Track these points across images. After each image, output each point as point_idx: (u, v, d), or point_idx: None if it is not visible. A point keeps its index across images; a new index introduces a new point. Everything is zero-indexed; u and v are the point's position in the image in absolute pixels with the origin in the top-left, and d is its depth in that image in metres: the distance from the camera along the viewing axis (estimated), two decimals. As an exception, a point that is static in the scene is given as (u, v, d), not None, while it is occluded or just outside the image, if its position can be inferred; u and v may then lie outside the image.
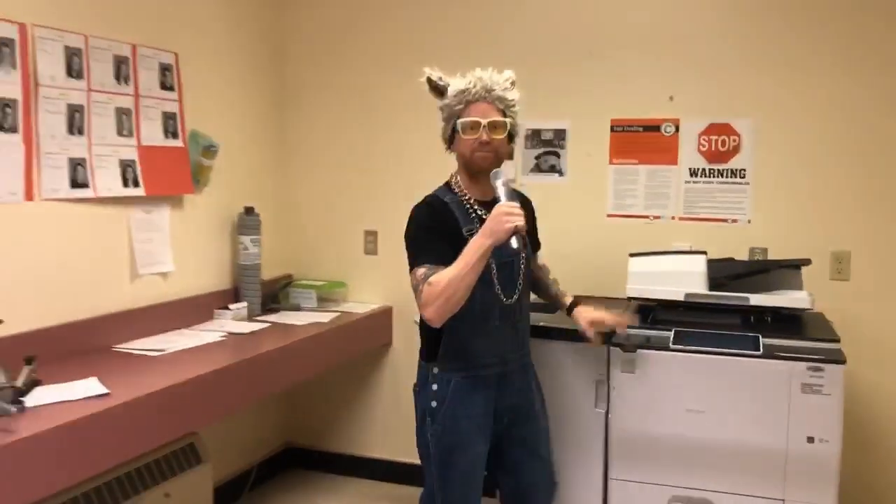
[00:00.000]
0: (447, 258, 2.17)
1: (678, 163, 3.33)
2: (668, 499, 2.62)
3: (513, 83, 2.38)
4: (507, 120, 2.32)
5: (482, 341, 2.34)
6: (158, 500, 2.94)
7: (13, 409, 2.00)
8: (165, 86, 3.11)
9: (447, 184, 2.42)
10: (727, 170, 3.27)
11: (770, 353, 2.49)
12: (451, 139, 2.37)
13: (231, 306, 3.40)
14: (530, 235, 2.48)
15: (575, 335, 2.58)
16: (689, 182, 3.32)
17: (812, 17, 3.12)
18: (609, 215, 3.44)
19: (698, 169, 3.31)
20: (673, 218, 3.36)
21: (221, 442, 3.41)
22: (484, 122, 2.27)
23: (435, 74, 2.37)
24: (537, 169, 3.54)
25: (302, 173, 3.93)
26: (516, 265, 2.36)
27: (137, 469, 2.87)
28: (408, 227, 2.33)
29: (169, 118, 3.13)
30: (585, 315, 2.52)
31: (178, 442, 3.10)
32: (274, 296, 3.70)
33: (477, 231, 2.20)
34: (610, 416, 2.68)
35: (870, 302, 3.09)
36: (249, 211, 3.53)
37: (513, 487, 2.50)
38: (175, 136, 3.16)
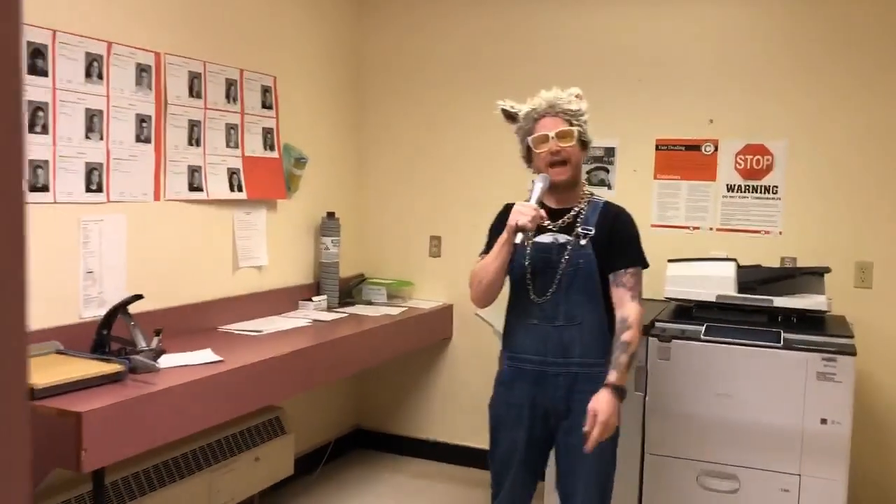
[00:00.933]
0: None
1: (716, 179, 3.69)
2: (697, 472, 2.97)
3: (578, 96, 2.52)
4: (575, 129, 2.44)
5: (522, 336, 2.49)
6: (250, 462, 3.41)
7: (157, 365, 2.48)
8: (265, 105, 3.61)
9: None
10: (761, 186, 3.61)
11: (789, 346, 2.84)
12: (528, 157, 2.52)
13: (313, 298, 3.86)
14: (607, 248, 2.43)
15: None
16: (726, 196, 3.67)
17: (845, 41, 3.44)
18: (653, 225, 3.81)
19: (735, 185, 3.66)
20: (711, 229, 3.71)
21: (301, 420, 3.86)
22: (551, 133, 2.42)
23: (507, 104, 2.55)
24: (589, 182, 3.93)
25: (376, 184, 4.39)
26: (552, 272, 2.43)
27: (234, 435, 3.35)
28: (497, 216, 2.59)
29: (267, 133, 3.62)
30: (594, 407, 2.31)
31: (266, 414, 3.57)
32: (349, 291, 4.16)
33: (530, 234, 2.41)
34: (647, 398, 3.04)
35: (890, 308, 3.39)
36: (331, 216, 3.99)
37: (559, 491, 2.54)
38: (272, 148, 3.65)
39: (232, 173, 3.41)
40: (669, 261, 3.29)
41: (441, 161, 4.22)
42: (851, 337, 2.87)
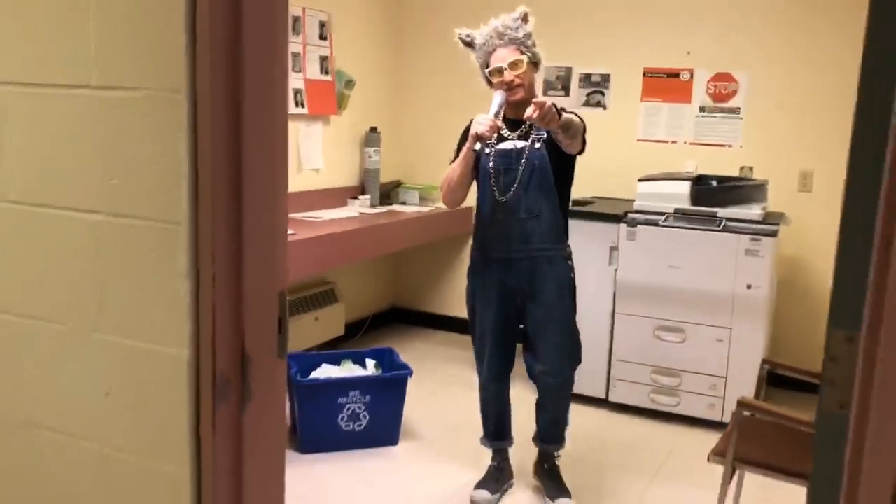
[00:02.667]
0: None
1: (691, 101, 4.46)
2: (654, 327, 3.86)
3: (524, 18, 2.76)
4: (524, 56, 2.74)
5: (489, 230, 2.89)
6: (311, 321, 4.38)
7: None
8: (321, 36, 4.44)
9: None
10: (727, 108, 4.38)
11: (726, 228, 3.67)
12: (489, 82, 2.85)
13: (359, 197, 4.76)
14: (558, 149, 2.76)
15: (594, 216, 3.83)
16: (698, 116, 4.45)
17: (796, -7, 4.16)
18: (638, 140, 4.61)
19: (706, 107, 4.43)
20: (685, 143, 4.50)
21: (349, 294, 4.82)
22: (503, 65, 2.74)
23: (463, 32, 2.85)
24: (587, 104, 4.73)
25: (412, 103, 5.23)
26: (513, 174, 2.82)
27: (301, 298, 4.31)
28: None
29: (323, 60, 4.47)
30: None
31: (324, 286, 4.53)
32: (387, 193, 5.04)
33: (493, 142, 2.80)
34: (617, 271, 3.92)
35: (823, 207, 4.18)
36: (373, 129, 4.86)
37: (530, 356, 3.01)
38: (327, 73, 4.50)
39: (296, 93, 4.28)
40: (639, 179, 4.05)
41: (469, 82, 5.02)
42: (776, 224, 3.69)
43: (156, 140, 1.25)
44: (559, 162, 2.85)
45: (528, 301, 2.91)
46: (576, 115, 2.80)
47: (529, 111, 2.55)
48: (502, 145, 2.88)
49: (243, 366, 1.30)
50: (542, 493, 3.08)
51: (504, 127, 2.86)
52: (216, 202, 1.22)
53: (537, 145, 2.84)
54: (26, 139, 1.37)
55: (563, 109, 2.69)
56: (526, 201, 2.83)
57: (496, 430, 3.12)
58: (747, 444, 2.43)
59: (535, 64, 2.84)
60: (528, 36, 2.79)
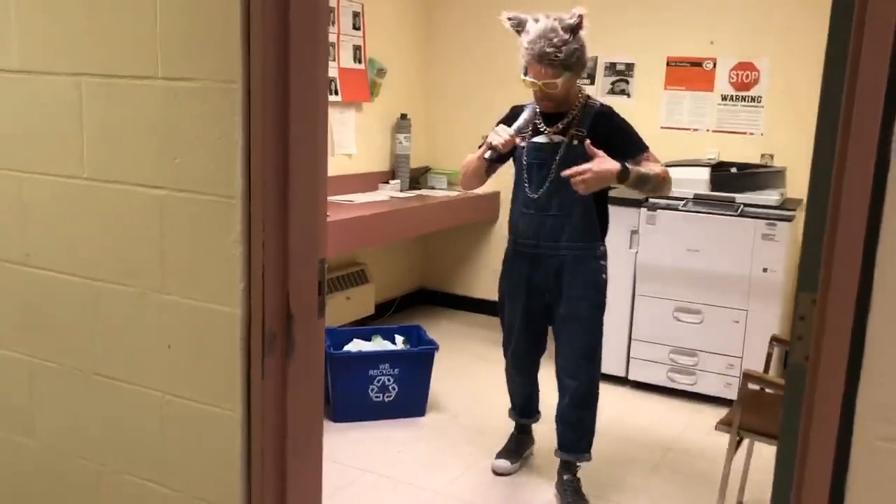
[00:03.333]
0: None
1: (714, 90, 4.56)
2: (672, 308, 4.00)
3: (578, 25, 2.62)
4: (558, 80, 2.64)
5: (521, 222, 2.90)
6: (342, 300, 4.58)
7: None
8: (355, 26, 4.62)
9: None
10: (748, 96, 4.48)
11: (743, 213, 3.79)
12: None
13: (390, 182, 4.94)
14: (612, 145, 2.69)
15: (616, 201, 3.97)
16: (720, 104, 4.56)
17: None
18: (662, 127, 4.72)
19: (728, 95, 4.53)
20: (708, 130, 4.61)
21: (379, 275, 5.01)
22: (538, 83, 2.69)
23: (514, 18, 2.72)
24: (612, 92, 4.85)
25: (441, 92, 5.39)
26: (546, 170, 2.79)
27: (334, 278, 4.51)
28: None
29: (356, 49, 4.65)
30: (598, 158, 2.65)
31: (355, 266, 4.73)
32: (417, 178, 5.22)
33: (528, 134, 2.81)
34: (638, 254, 4.06)
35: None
36: (404, 117, 5.03)
37: (556, 359, 3.00)
38: (360, 61, 4.69)
39: (331, 81, 4.46)
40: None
41: (494, 73, 5.18)
42: (792, 210, 3.81)
43: (213, 124, 1.44)
44: (619, 156, 2.70)
45: (554, 299, 2.91)
46: (655, 166, 2.76)
47: (566, 172, 2.60)
48: (537, 139, 2.84)
49: (288, 323, 1.49)
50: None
51: (523, 141, 2.82)
52: (266, 179, 1.41)
53: (575, 143, 2.76)
54: (100, 123, 1.57)
55: (637, 161, 2.70)
56: (558, 198, 2.79)
57: (521, 407, 3.23)
58: (753, 414, 2.58)
59: (573, 71, 2.70)
60: (573, 53, 2.63)
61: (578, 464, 2.98)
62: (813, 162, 1.18)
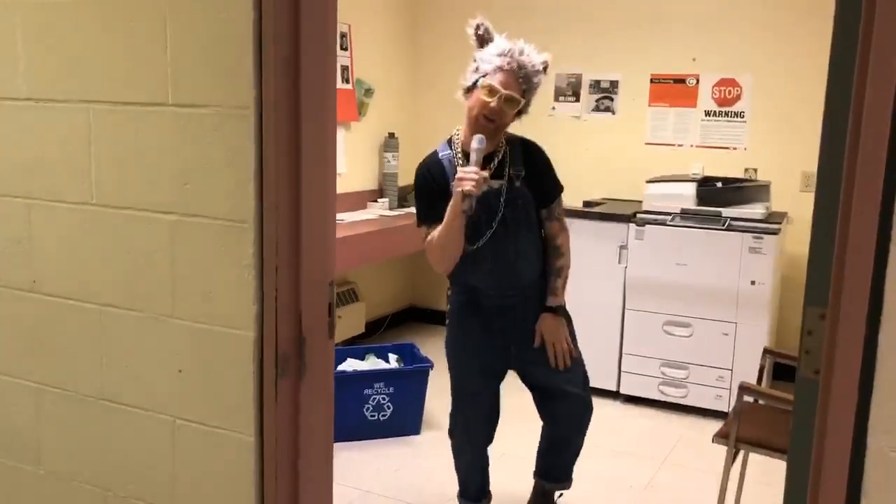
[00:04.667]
0: (440, 215, 2.43)
1: (697, 106, 4.64)
2: (662, 322, 4.04)
3: (545, 67, 2.49)
4: (522, 101, 2.46)
5: (477, 275, 2.57)
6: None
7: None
8: (342, 47, 4.65)
9: (449, 138, 2.62)
10: (731, 111, 4.56)
11: (729, 227, 3.85)
12: (468, 89, 2.51)
13: (378, 200, 4.96)
14: (538, 186, 2.56)
15: (604, 216, 4.01)
16: (704, 120, 4.63)
17: None
18: (646, 143, 4.79)
19: (711, 111, 4.61)
20: (692, 146, 4.68)
21: (369, 293, 5.02)
22: (503, 92, 2.41)
23: (484, 26, 2.49)
24: (597, 109, 4.92)
25: (428, 110, 5.43)
26: (494, 213, 2.50)
27: (323, 296, 4.50)
28: (414, 183, 2.64)
29: (344, 69, 4.68)
30: (542, 330, 2.61)
31: (345, 285, 4.73)
32: (405, 196, 5.23)
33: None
34: (627, 268, 4.11)
35: (826, 207, 4.35)
36: (392, 135, 5.06)
37: (540, 401, 2.76)
38: (347, 81, 4.71)
39: (319, 101, 4.48)
40: (647, 181, 4.24)
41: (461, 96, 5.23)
42: (778, 223, 3.87)
43: (225, 150, 1.46)
44: (540, 197, 2.61)
45: (524, 347, 2.64)
46: (562, 243, 2.65)
47: (551, 360, 2.58)
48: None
49: (300, 345, 1.50)
50: None
51: (488, 179, 2.46)
52: (279, 203, 1.42)
53: (517, 183, 2.55)
54: (110, 150, 1.58)
55: (551, 210, 2.62)
56: (514, 244, 2.56)
57: (479, 488, 2.84)
58: (749, 426, 2.62)
59: (519, 113, 2.54)
60: (537, 87, 2.52)
61: (560, 493, 2.89)
62: (818, 175, 1.22)
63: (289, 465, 1.51)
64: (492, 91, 2.43)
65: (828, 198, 1.15)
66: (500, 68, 2.44)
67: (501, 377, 2.75)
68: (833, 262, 1.11)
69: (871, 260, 1.05)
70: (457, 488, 2.89)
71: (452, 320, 2.71)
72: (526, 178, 2.56)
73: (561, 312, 2.63)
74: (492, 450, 2.83)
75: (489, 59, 2.46)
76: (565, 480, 2.84)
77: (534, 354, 2.64)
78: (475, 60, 2.50)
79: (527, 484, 2.92)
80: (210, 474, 1.58)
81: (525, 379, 2.75)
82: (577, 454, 2.82)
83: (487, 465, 2.84)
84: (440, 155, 2.60)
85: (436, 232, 2.48)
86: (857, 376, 1.07)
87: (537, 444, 2.85)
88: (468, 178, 2.35)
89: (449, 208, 2.42)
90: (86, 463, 1.74)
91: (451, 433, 2.80)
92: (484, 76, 2.45)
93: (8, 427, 1.82)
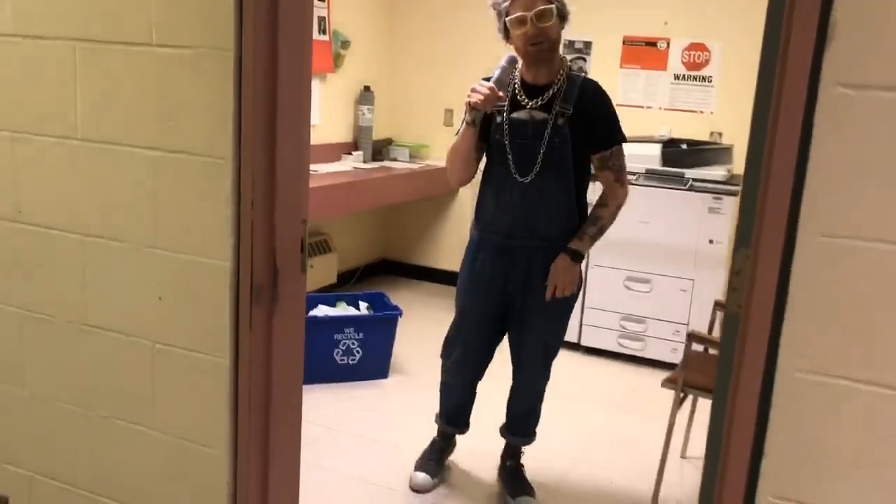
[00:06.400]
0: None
1: (667, 69, 4.75)
2: (623, 278, 4.20)
3: None
4: (553, 6, 2.32)
5: (493, 210, 2.54)
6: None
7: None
8: (320, -2, 4.68)
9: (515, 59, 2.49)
10: (700, 76, 4.68)
11: (691, 188, 4.00)
12: (506, 34, 2.43)
13: (352, 153, 5.03)
14: (587, 128, 2.46)
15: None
16: (673, 83, 4.75)
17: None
18: (617, 104, 4.84)
19: (681, 74, 4.72)
20: (661, 108, 4.80)
21: (342, 245, 5.12)
22: (530, 14, 2.31)
23: None
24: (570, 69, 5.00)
25: (404, 64, 5.48)
26: (536, 148, 2.43)
27: (296, 244, 4.59)
28: None
29: (321, 20, 4.70)
30: (553, 266, 2.53)
31: (318, 236, 4.82)
32: (379, 150, 5.32)
33: (504, 108, 2.44)
34: (592, 225, 4.25)
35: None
36: (367, 89, 5.11)
37: (512, 355, 2.77)
38: (324, 33, 4.75)
39: (295, 51, 4.52)
40: (617, 139, 4.36)
41: (458, 46, 5.29)
42: (737, 185, 4.02)
43: (206, 89, 1.54)
44: (585, 144, 2.50)
45: (522, 295, 2.60)
46: (605, 215, 2.60)
47: (547, 295, 2.50)
48: (517, 114, 2.48)
49: (274, 276, 1.60)
50: (503, 492, 2.88)
51: (505, 97, 2.46)
52: (256, 141, 1.52)
53: (560, 121, 2.45)
54: (95, 87, 1.66)
55: (605, 157, 2.54)
56: (539, 183, 2.46)
57: (453, 415, 2.93)
58: (697, 373, 2.78)
59: (562, 16, 2.41)
60: None
61: (523, 449, 2.94)
62: (751, 135, 1.34)
63: (262, 386, 1.63)
64: (520, 22, 2.34)
65: (755, 149, 1.27)
66: None
67: (500, 332, 2.72)
68: (756, 209, 1.24)
69: (787, 208, 1.18)
70: (422, 426, 3.02)
71: (466, 256, 2.70)
72: (572, 117, 2.45)
73: (578, 260, 2.53)
74: (482, 386, 2.89)
75: None
76: (525, 436, 2.89)
77: (532, 313, 2.60)
78: (493, 7, 2.43)
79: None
80: (187, 395, 1.69)
81: (509, 326, 2.71)
82: (534, 412, 2.87)
83: (470, 400, 2.90)
84: (498, 76, 2.45)
85: (453, 141, 2.53)
86: (771, 307, 1.21)
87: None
88: (478, 90, 2.34)
89: (464, 121, 2.46)
90: (68, 385, 1.84)
91: (444, 355, 2.85)
92: (507, 15, 2.38)
93: (-7, 351, 1.92)
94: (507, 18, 2.37)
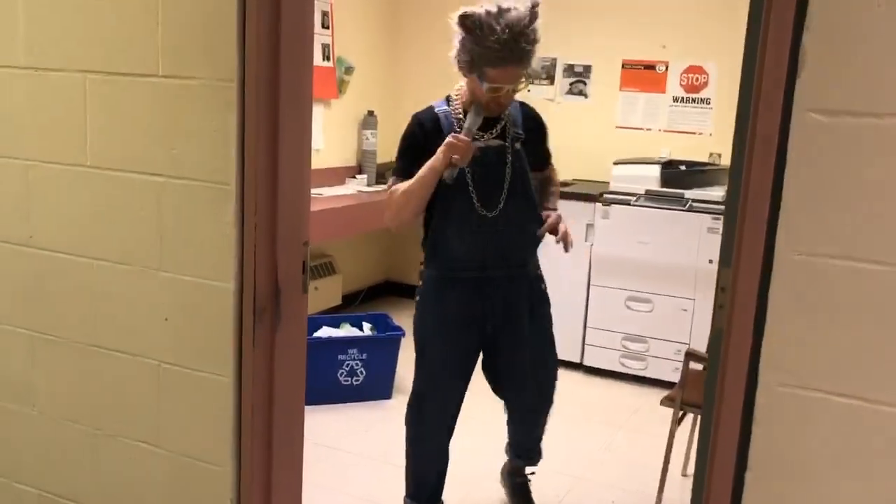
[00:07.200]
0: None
1: (666, 92, 4.82)
2: (625, 297, 4.24)
3: (535, 11, 2.25)
4: (527, 70, 2.32)
5: (459, 246, 2.41)
6: (310, 290, 4.71)
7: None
8: (324, 25, 4.77)
9: (448, 95, 2.51)
10: (698, 98, 4.75)
11: (691, 208, 4.05)
12: (468, 69, 2.32)
13: (356, 176, 5.11)
14: (535, 150, 2.51)
15: (572, 196, 4.20)
16: (672, 105, 4.81)
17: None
18: (617, 127, 4.97)
19: (679, 97, 4.79)
20: (660, 130, 4.86)
21: (346, 267, 5.18)
22: (510, 87, 2.32)
23: (473, 17, 2.25)
24: (570, 92, 5.08)
25: (406, 88, 5.57)
26: (500, 176, 2.40)
27: (301, 267, 4.65)
28: (404, 132, 2.49)
29: (325, 47, 4.80)
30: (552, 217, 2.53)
31: (322, 258, 4.89)
32: (383, 173, 5.38)
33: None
34: (593, 246, 4.30)
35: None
36: (371, 113, 5.20)
37: (504, 395, 2.68)
38: (328, 59, 4.84)
39: (300, 77, 4.61)
40: (614, 163, 4.41)
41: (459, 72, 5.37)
42: (736, 205, 4.06)
43: (210, 118, 1.61)
44: (533, 165, 2.54)
45: (503, 330, 2.53)
46: (555, 180, 2.73)
47: (555, 239, 2.49)
48: (476, 144, 2.38)
49: (276, 297, 1.66)
50: None
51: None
52: (259, 167, 1.58)
53: (517, 146, 2.46)
54: (104, 116, 1.73)
55: (545, 175, 2.65)
56: (507, 211, 2.42)
57: (434, 489, 2.68)
58: (695, 391, 2.81)
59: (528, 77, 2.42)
60: (537, 41, 2.30)
61: (532, 469, 2.91)
62: (732, 158, 1.39)
63: (264, 404, 1.68)
64: (498, 90, 2.31)
65: (736, 172, 1.32)
66: (500, 61, 2.25)
67: (472, 371, 2.59)
68: (736, 231, 1.29)
69: (764, 228, 1.23)
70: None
71: (426, 299, 2.52)
72: (525, 141, 2.48)
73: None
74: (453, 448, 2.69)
75: (486, 52, 2.24)
76: (532, 459, 2.86)
77: (510, 338, 2.54)
78: (463, 43, 2.30)
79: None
80: (191, 413, 1.74)
81: (492, 360, 2.61)
82: (541, 435, 2.83)
83: (445, 467, 2.68)
84: (436, 109, 2.48)
85: (401, 185, 2.39)
86: (751, 323, 1.25)
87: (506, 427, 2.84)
88: (459, 146, 2.27)
89: (425, 167, 2.32)
90: (76, 404, 1.89)
91: (412, 422, 2.62)
92: (484, 66, 2.27)
93: (4, 372, 1.98)
94: (486, 83, 2.29)
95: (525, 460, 2.88)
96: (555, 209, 2.62)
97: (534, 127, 2.56)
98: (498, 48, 2.22)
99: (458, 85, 2.52)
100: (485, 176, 2.40)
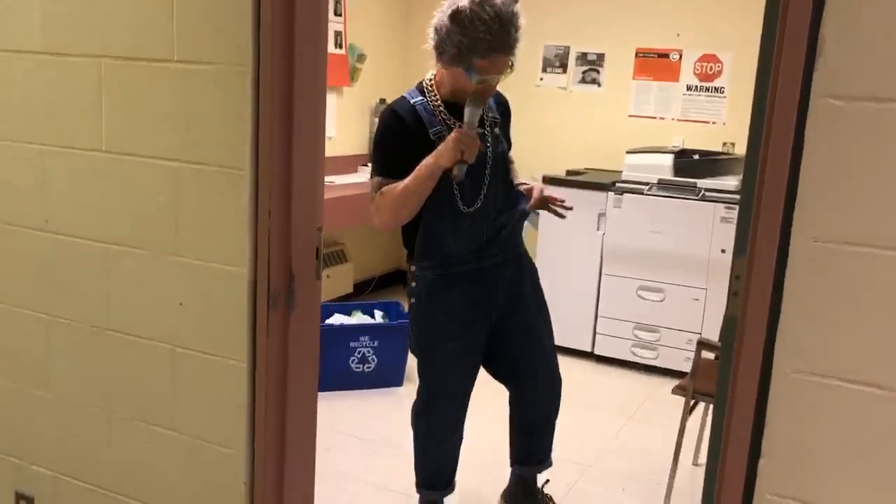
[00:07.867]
0: (406, 170, 2.18)
1: (679, 80, 4.79)
2: (636, 287, 4.23)
3: (517, 12, 2.21)
4: (513, 58, 2.24)
5: (453, 241, 2.33)
6: (323, 278, 4.74)
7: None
8: (336, 13, 4.77)
9: (420, 84, 2.40)
10: (712, 87, 4.71)
11: (703, 198, 4.03)
12: (454, 60, 2.23)
13: (368, 164, 5.10)
14: (506, 137, 2.47)
15: (585, 185, 4.18)
16: (685, 94, 4.78)
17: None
18: (630, 115, 4.94)
19: (693, 85, 4.76)
20: (673, 119, 4.84)
21: (358, 255, 5.19)
22: (499, 77, 2.25)
23: (464, 12, 2.17)
24: (583, 81, 5.06)
25: (418, 77, 5.53)
26: (482, 166, 2.31)
27: (313, 254, 4.67)
28: (376, 130, 2.36)
29: (338, 35, 4.80)
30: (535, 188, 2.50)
31: (334, 246, 4.90)
32: (395, 162, 5.40)
33: (444, 133, 2.22)
34: (605, 235, 4.29)
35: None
36: (383, 101, 5.19)
37: (511, 377, 2.59)
38: (340, 47, 4.83)
39: (312, 65, 4.61)
40: (627, 152, 4.39)
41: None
42: (750, 194, 4.04)
43: (225, 104, 1.61)
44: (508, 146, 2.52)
45: (507, 313, 2.48)
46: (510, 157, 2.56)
47: (534, 203, 2.44)
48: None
49: (290, 282, 1.67)
50: None
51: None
52: (273, 153, 1.58)
53: (497, 130, 2.41)
54: (120, 101, 1.73)
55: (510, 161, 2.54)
56: (492, 196, 2.37)
57: (449, 477, 2.62)
58: (706, 380, 2.81)
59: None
60: (521, 28, 2.23)
61: (546, 478, 2.79)
62: (748, 146, 1.39)
63: (278, 388, 1.69)
64: (486, 82, 2.23)
65: (752, 159, 1.32)
66: (490, 50, 2.17)
67: (479, 367, 2.53)
68: (751, 221, 1.28)
69: (780, 215, 1.22)
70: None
71: (426, 302, 2.40)
72: (500, 124, 2.44)
73: None
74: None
75: (476, 43, 2.17)
76: (544, 463, 2.73)
77: (518, 323, 2.49)
78: (450, 33, 2.22)
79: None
80: (205, 397, 1.75)
81: (499, 349, 2.52)
82: (553, 432, 2.72)
83: (457, 458, 2.63)
84: (412, 101, 2.34)
85: (395, 186, 2.22)
86: (766, 310, 1.25)
87: (508, 431, 2.74)
88: (467, 142, 2.14)
89: (427, 164, 2.18)
90: (91, 388, 1.91)
91: (422, 415, 2.56)
92: (472, 57, 2.18)
93: (20, 355, 2.00)
94: (474, 75, 2.20)
95: (536, 464, 2.73)
96: (525, 182, 2.55)
97: (505, 112, 2.52)
98: (489, 38, 2.15)
99: (430, 73, 2.43)
100: (470, 167, 2.24)
